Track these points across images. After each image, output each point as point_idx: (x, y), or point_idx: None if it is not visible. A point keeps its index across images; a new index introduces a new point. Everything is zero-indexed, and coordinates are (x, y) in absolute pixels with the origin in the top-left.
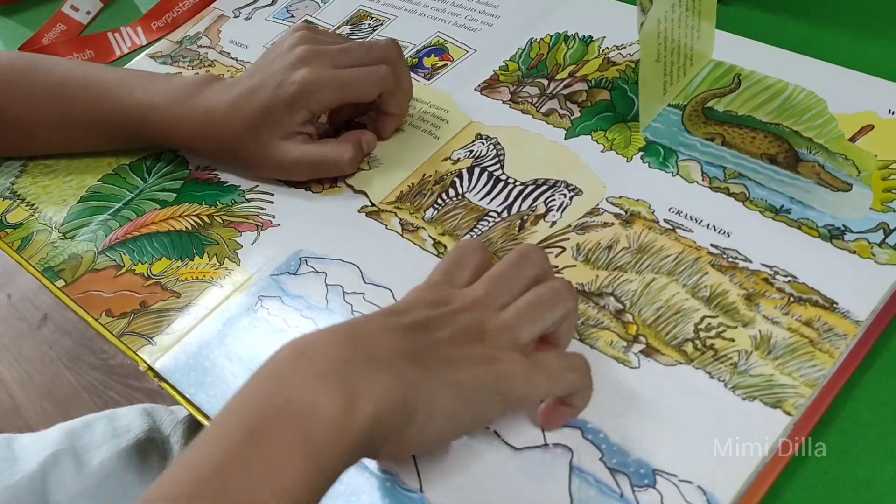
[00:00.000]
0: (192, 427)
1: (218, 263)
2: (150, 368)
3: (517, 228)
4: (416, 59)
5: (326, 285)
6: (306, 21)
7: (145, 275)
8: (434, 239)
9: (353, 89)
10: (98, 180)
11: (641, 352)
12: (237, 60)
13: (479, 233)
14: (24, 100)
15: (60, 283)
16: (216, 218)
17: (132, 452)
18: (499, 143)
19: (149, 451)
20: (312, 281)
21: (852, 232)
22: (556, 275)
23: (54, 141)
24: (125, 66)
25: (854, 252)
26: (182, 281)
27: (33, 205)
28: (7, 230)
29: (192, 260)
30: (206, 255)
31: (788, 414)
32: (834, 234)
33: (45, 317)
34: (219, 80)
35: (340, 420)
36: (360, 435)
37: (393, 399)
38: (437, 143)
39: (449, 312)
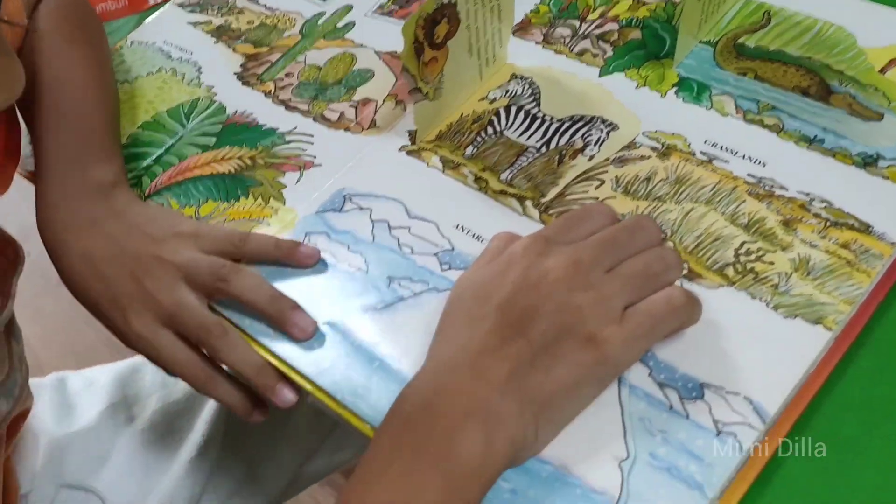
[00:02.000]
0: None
1: (263, 203)
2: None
3: (556, 163)
4: None
5: (372, 220)
6: None
7: (194, 216)
8: (475, 174)
9: (174, 371)
10: (137, 128)
11: (684, 276)
12: (266, 7)
13: (520, 167)
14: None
15: None
16: (258, 160)
17: (181, 403)
18: (534, 83)
19: (196, 400)
20: (357, 217)
21: (885, 159)
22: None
23: None
24: (150, 20)
25: (887, 178)
26: (230, 221)
27: None
28: None
29: (238, 201)
30: (251, 195)
31: (829, 329)
32: (867, 162)
33: None
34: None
35: (481, 462)
36: (499, 468)
37: (522, 425)
38: (472, 83)
39: (543, 288)
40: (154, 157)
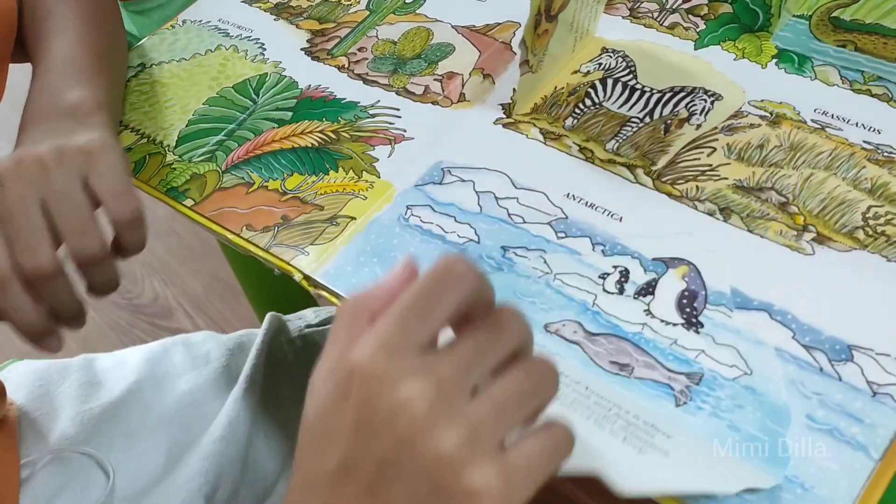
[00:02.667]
0: (266, 354)
1: (356, 176)
2: (306, 278)
3: (662, 132)
4: None
5: (476, 192)
6: None
7: (280, 190)
8: (579, 145)
9: None
10: (203, 103)
11: (813, 240)
12: None
13: (625, 137)
14: None
15: (189, 202)
16: (343, 133)
17: (210, 386)
18: (627, 56)
19: (226, 381)
20: (460, 189)
21: None
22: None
23: None
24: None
25: None
26: (322, 194)
27: (138, 130)
28: None
29: (328, 174)
30: (340, 169)
31: None
32: None
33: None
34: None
35: None
36: None
37: None
38: (564, 57)
39: (400, 429)
40: (226, 131)
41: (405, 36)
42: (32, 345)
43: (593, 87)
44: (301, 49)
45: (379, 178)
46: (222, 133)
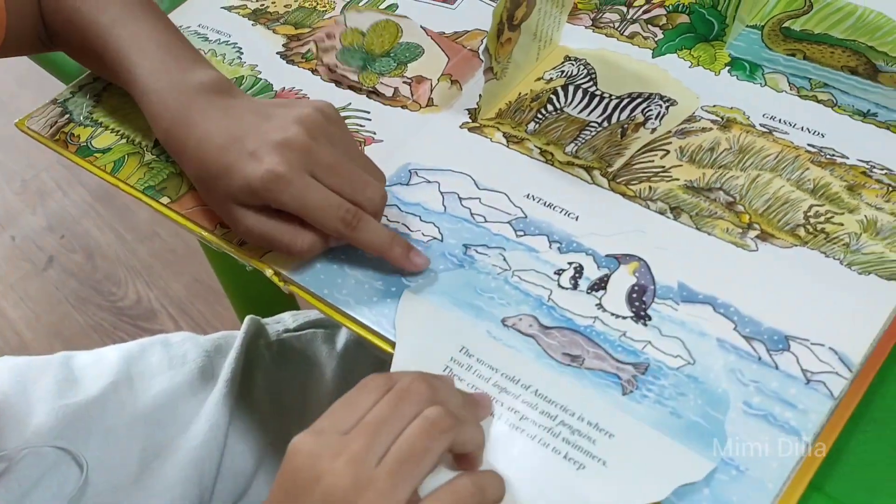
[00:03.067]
0: (244, 359)
1: None
2: (277, 274)
3: (619, 135)
4: None
5: (441, 193)
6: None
7: None
8: (540, 148)
9: (311, 216)
10: None
11: (757, 237)
12: None
13: (584, 141)
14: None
15: (165, 200)
16: None
17: (185, 387)
18: (588, 64)
19: (202, 382)
20: (426, 190)
21: None
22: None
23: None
24: (181, 7)
25: None
26: None
27: (118, 130)
28: (95, 155)
29: None
30: None
31: None
32: None
33: (51, 259)
34: (229, 96)
35: None
36: None
37: None
38: (528, 64)
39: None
40: None
41: (374, 28)
42: (403, 263)
43: (555, 93)
44: (277, 53)
45: None
46: None
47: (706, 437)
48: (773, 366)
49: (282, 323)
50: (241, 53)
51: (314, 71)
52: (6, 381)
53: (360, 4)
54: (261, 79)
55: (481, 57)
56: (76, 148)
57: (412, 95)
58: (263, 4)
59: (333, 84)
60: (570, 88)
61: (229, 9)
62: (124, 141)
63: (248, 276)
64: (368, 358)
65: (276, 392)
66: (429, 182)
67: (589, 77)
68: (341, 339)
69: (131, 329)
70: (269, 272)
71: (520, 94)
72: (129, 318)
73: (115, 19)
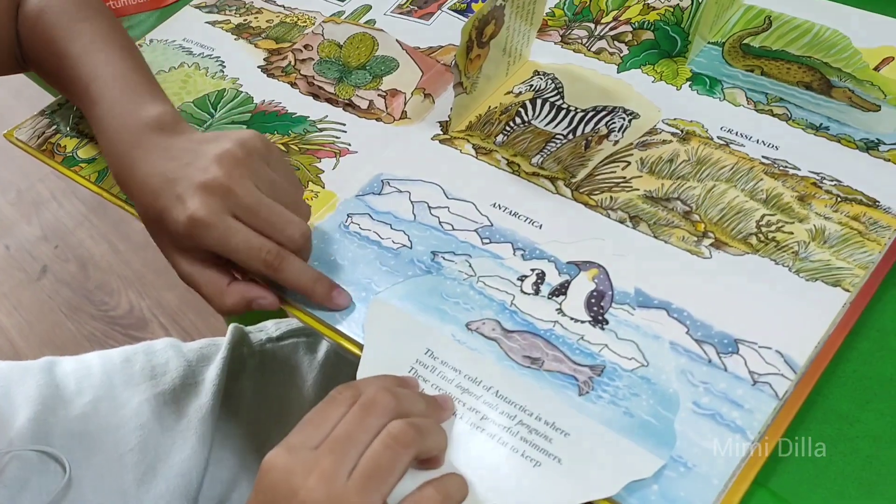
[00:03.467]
0: (228, 367)
1: (303, 187)
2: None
3: (583, 147)
4: (465, 5)
5: (412, 202)
6: None
7: None
8: (507, 159)
9: (236, 257)
10: None
11: (711, 245)
12: (284, 7)
13: (549, 152)
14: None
15: None
16: (292, 146)
17: (168, 395)
18: (556, 78)
19: (182, 394)
20: (397, 199)
21: (885, 144)
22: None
23: None
24: (167, 21)
25: (888, 160)
26: None
27: None
28: (81, 164)
29: None
30: None
31: (847, 291)
32: (870, 146)
33: (45, 268)
34: (172, 133)
35: None
36: None
37: None
38: (498, 78)
39: None
40: None
41: (350, 41)
42: (326, 303)
43: (524, 106)
44: (258, 66)
45: (323, 188)
46: None
47: (657, 435)
48: (722, 368)
49: (265, 331)
50: (224, 67)
51: (293, 84)
52: None
53: (340, 18)
54: (242, 92)
55: (452, 72)
56: (62, 158)
57: (386, 108)
58: (246, 19)
59: (311, 97)
60: (538, 102)
61: (213, 23)
62: None
63: None
64: (349, 366)
65: (258, 400)
66: (400, 192)
67: (556, 91)
68: (322, 348)
69: (123, 338)
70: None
71: (490, 107)
72: (121, 327)
73: (85, 49)
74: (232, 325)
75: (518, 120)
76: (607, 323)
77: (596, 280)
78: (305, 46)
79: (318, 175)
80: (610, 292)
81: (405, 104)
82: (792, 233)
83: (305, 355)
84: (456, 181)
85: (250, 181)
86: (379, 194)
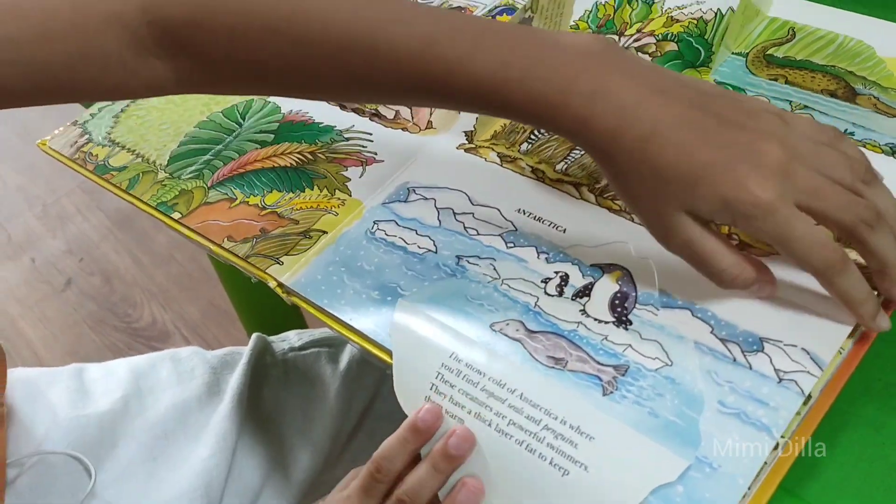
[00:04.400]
0: (251, 375)
1: (329, 194)
2: (280, 285)
3: None
4: (490, 17)
5: (437, 208)
6: None
7: (259, 205)
8: (532, 167)
9: (791, 247)
10: (194, 126)
11: (736, 246)
12: None
13: (574, 159)
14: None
15: (176, 215)
16: (319, 155)
17: (193, 401)
18: None
19: (209, 396)
20: (423, 206)
21: None
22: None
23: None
24: None
25: None
26: (297, 210)
27: (133, 150)
28: (112, 173)
29: (304, 192)
30: (315, 187)
31: (875, 289)
32: (895, 151)
33: (69, 281)
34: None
35: None
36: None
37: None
38: None
39: None
40: (213, 152)
41: None
42: (871, 327)
43: None
44: None
45: (350, 196)
46: (210, 153)
47: (682, 435)
48: (747, 366)
49: (287, 341)
50: None
51: None
52: (19, 391)
53: None
54: (269, 102)
55: None
56: (94, 166)
57: (412, 118)
58: None
59: (338, 107)
60: None
61: None
62: (139, 160)
63: (258, 296)
64: (371, 377)
65: (281, 409)
66: (425, 199)
67: None
68: (345, 358)
69: (145, 350)
70: (272, 283)
71: None
72: (143, 339)
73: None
74: (255, 335)
75: (542, 130)
76: (631, 323)
77: (620, 282)
78: None
79: (344, 183)
80: (634, 293)
81: (430, 114)
82: None
83: (328, 365)
84: (481, 188)
85: (816, 164)
86: (405, 202)
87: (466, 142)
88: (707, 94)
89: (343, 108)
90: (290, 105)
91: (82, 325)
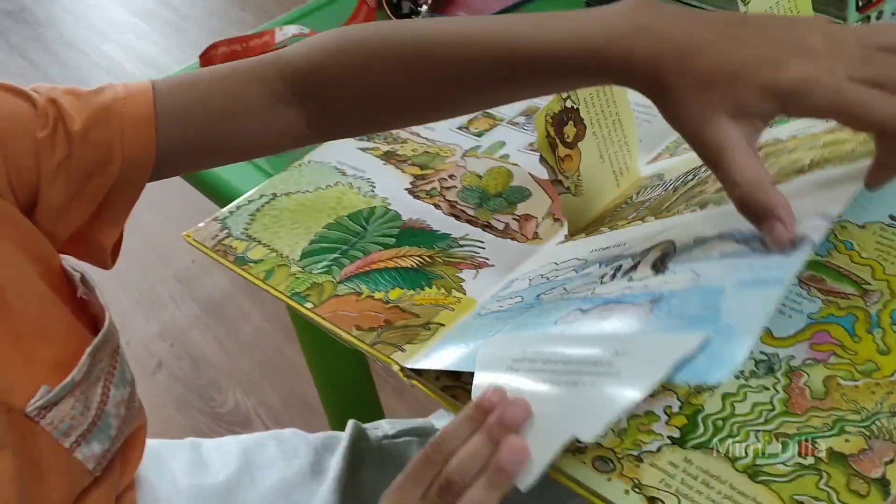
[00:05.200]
0: (349, 458)
1: (446, 292)
2: (402, 369)
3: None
4: None
5: (529, 279)
6: None
7: (384, 300)
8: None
9: (851, 112)
10: (323, 227)
11: None
12: (427, 139)
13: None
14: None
15: (309, 305)
16: (437, 258)
17: (298, 477)
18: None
19: (312, 475)
20: (518, 283)
21: None
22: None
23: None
24: (324, 146)
25: None
26: (418, 305)
27: (269, 245)
28: (250, 265)
29: (423, 290)
30: (434, 286)
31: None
32: None
33: (160, 364)
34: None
35: None
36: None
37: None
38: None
39: None
40: (341, 251)
41: (489, 172)
42: None
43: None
44: (405, 189)
45: (465, 294)
46: (338, 252)
47: (705, 322)
48: (763, 249)
49: (380, 429)
50: (374, 187)
51: (437, 206)
52: (146, 460)
53: (479, 152)
54: (391, 210)
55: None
56: (234, 258)
57: (520, 230)
58: (393, 147)
59: (453, 218)
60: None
61: (364, 149)
62: (274, 254)
63: (345, 391)
64: None
65: (377, 493)
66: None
67: None
68: None
69: (227, 434)
70: (395, 367)
71: (605, 210)
72: (226, 423)
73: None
74: (351, 421)
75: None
76: (667, 269)
77: (664, 250)
78: (450, 176)
79: (460, 284)
80: (673, 252)
81: (537, 227)
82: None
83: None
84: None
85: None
86: (506, 288)
87: (564, 240)
88: (750, 16)
89: (457, 218)
90: (409, 213)
91: (169, 407)
